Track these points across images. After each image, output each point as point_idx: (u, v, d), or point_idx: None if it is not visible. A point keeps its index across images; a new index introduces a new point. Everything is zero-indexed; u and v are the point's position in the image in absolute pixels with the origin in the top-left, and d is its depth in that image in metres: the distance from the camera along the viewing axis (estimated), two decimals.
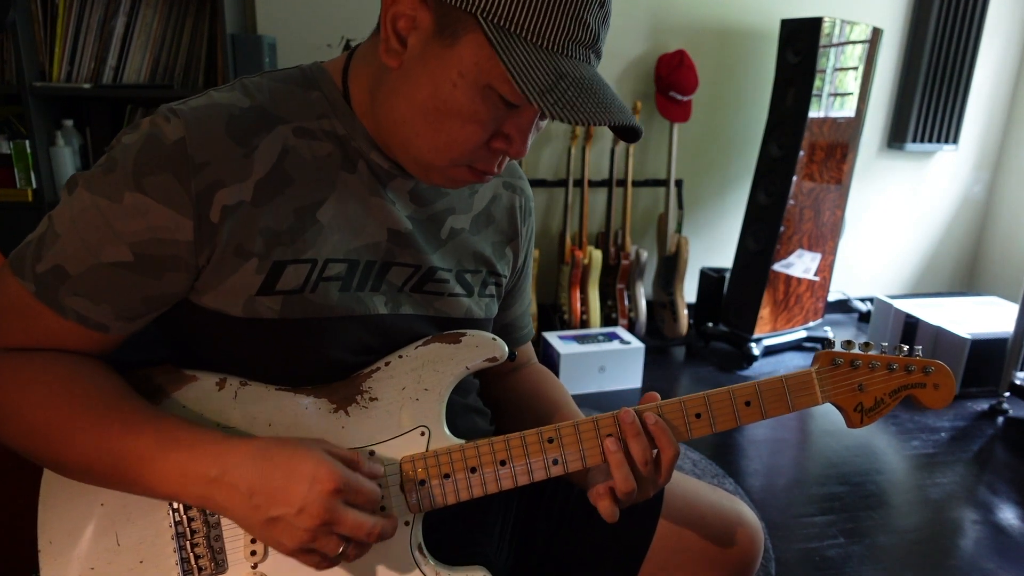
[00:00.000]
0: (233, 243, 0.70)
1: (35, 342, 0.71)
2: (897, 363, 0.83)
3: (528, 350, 1.05)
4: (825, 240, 3.07)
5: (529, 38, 0.64)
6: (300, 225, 0.73)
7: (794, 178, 2.81)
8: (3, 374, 0.70)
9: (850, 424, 0.84)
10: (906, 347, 0.84)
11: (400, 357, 0.79)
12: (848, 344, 0.83)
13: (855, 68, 2.83)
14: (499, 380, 1.01)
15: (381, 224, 0.78)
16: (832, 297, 3.60)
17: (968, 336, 2.73)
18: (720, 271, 3.20)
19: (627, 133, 0.70)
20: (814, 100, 2.74)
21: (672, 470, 0.79)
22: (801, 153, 2.79)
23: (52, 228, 0.69)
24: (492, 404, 0.99)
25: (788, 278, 3.01)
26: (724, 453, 2.31)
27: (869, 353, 0.83)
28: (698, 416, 0.80)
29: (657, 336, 3.21)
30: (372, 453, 0.76)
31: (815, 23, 2.67)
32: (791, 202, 2.85)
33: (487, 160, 0.73)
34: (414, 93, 0.69)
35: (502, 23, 0.63)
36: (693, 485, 0.97)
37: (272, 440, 0.68)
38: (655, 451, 0.77)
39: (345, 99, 0.76)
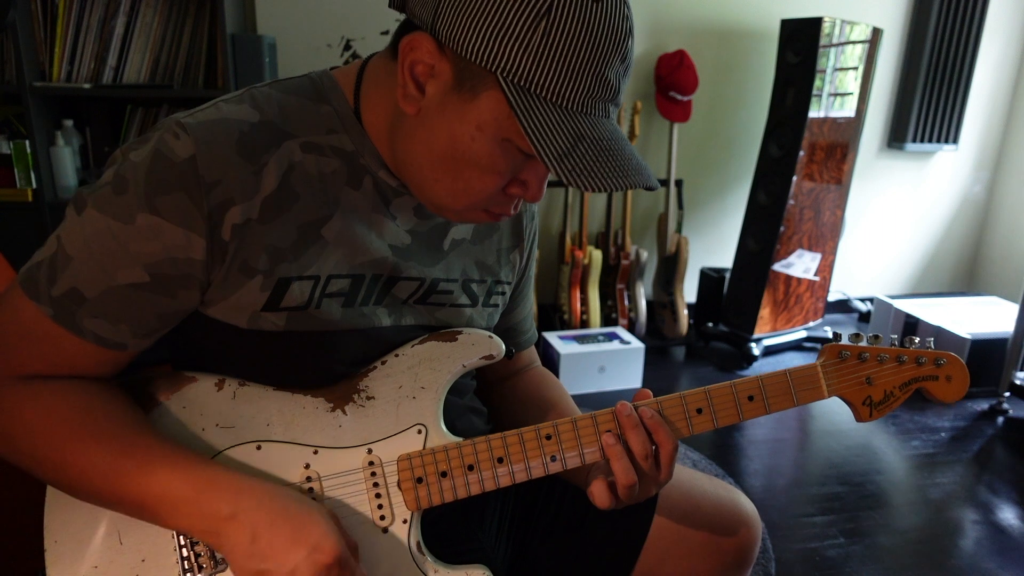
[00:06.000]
0: (239, 260, 0.70)
1: (51, 364, 0.70)
2: (907, 355, 0.80)
3: (531, 354, 1.04)
4: (825, 240, 3.06)
5: (549, 98, 0.63)
6: (304, 242, 0.73)
7: (794, 178, 2.81)
8: (22, 404, 0.69)
9: (859, 418, 0.81)
10: (917, 339, 0.81)
11: (396, 356, 0.79)
12: (856, 337, 0.80)
13: (855, 68, 2.83)
14: (501, 383, 1.01)
15: (384, 240, 0.78)
16: (832, 297, 3.59)
17: (968, 336, 2.72)
18: (720, 271, 3.20)
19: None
20: (814, 100, 2.74)
21: (672, 466, 0.79)
22: (801, 153, 2.79)
23: (63, 250, 0.68)
24: (492, 407, 0.99)
25: (788, 278, 3.01)
26: (724, 453, 2.31)
27: (877, 345, 0.81)
28: (699, 411, 0.80)
29: (657, 336, 3.21)
30: (370, 451, 0.77)
31: (815, 23, 2.67)
32: (791, 202, 2.85)
33: (503, 204, 0.73)
34: (432, 141, 0.68)
35: (522, 83, 0.63)
36: (689, 475, 0.97)
37: (290, 492, 0.70)
38: (654, 447, 0.77)
39: (356, 114, 0.75)
